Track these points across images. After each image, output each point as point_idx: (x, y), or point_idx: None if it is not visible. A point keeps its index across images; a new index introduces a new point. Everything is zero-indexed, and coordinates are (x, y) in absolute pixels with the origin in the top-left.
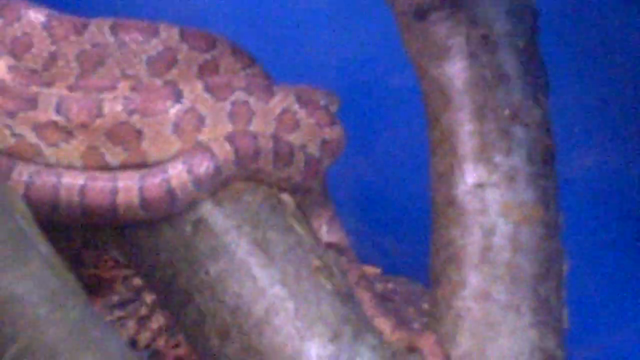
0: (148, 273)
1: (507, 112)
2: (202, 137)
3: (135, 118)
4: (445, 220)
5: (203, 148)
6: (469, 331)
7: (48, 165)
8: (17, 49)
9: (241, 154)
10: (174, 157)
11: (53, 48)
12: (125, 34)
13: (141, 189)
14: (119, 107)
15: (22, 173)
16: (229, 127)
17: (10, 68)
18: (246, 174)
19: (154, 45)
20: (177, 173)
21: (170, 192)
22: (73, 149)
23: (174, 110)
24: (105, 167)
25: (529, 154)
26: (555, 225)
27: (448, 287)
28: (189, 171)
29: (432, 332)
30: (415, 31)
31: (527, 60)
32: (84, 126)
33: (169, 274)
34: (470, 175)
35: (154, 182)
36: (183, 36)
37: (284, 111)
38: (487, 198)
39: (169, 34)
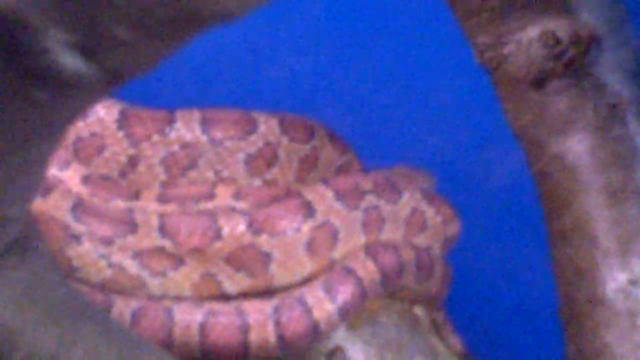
0: None
1: None
2: (336, 254)
3: (262, 239)
4: (593, 324)
5: (343, 269)
6: None
7: (152, 298)
8: (85, 153)
9: (386, 272)
10: (307, 282)
11: (132, 151)
12: (218, 130)
13: (277, 324)
14: (241, 227)
15: (124, 311)
16: (362, 239)
17: (84, 179)
18: (388, 292)
19: (253, 142)
20: (318, 303)
21: (313, 326)
22: (183, 277)
23: (306, 227)
24: (221, 296)
25: None
26: None
27: None
28: (333, 300)
29: None
30: (529, 102)
31: None
32: (197, 251)
33: None
34: (619, 270)
35: (292, 315)
36: (283, 127)
37: (413, 212)
38: None
39: (268, 126)
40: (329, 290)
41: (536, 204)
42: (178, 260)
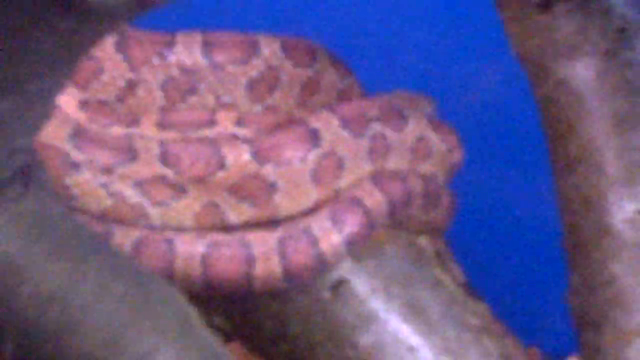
0: (266, 347)
1: None
2: (342, 183)
3: (268, 169)
4: (600, 254)
5: (350, 199)
6: None
7: (152, 228)
8: (81, 77)
9: (394, 201)
10: (313, 212)
11: (131, 75)
12: (220, 54)
13: (283, 256)
14: (245, 156)
15: (124, 241)
16: (368, 167)
17: (82, 104)
18: (395, 223)
19: (255, 65)
20: (325, 234)
21: (320, 258)
22: (185, 207)
23: (312, 155)
24: (224, 227)
25: None
26: None
27: (615, 334)
28: (340, 230)
29: None
30: (536, 25)
31: None
32: (200, 181)
33: (302, 349)
34: (628, 199)
35: (298, 246)
36: (285, 50)
37: (419, 140)
38: None
39: (271, 49)
40: (336, 221)
41: (537, 131)
42: (180, 190)
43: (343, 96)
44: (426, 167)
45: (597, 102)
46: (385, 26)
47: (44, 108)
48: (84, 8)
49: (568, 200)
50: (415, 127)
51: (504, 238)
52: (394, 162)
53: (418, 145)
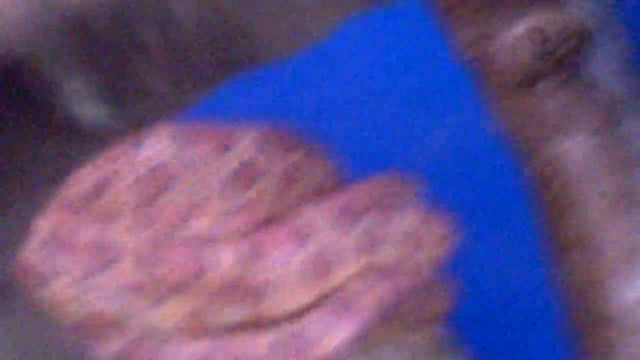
0: None
1: None
2: (333, 281)
3: (253, 272)
4: (601, 345)
5: (340, 302)
6: None
7: (133, 339)
8: None
9: (386, 302)
10: (304, 314)
11: (100, 174)
12: (193, 148)
13: None
14: (229, 260)
15: (104, 354)
16: (359, 263)
17: (51, 207)
18: (388, 320)
19: (230, 160)
20: (318, 338)
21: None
22: (166, 315)
23: (300, 256)
24: (207, 333)
25: None
26: None
27: None
28: (333, 334)
29: None
30: (518, 103)
31: None
32: (181, 287)
33: None
34: (628, 286)
35: (290, 352)
36: (260, 142)
37: (409, 230)
38: None
39: (246, 141)
40: (328, 324)
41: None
42: (160, 297)
43: (324, 186)
44: (417, 257)
45: (590, 182)
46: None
47: (25, 230)
48: (73, 132)
49: (565, 286)
50: (407, 215)
51: (506, 317)
52: (386, 255)
53: (411, 234)
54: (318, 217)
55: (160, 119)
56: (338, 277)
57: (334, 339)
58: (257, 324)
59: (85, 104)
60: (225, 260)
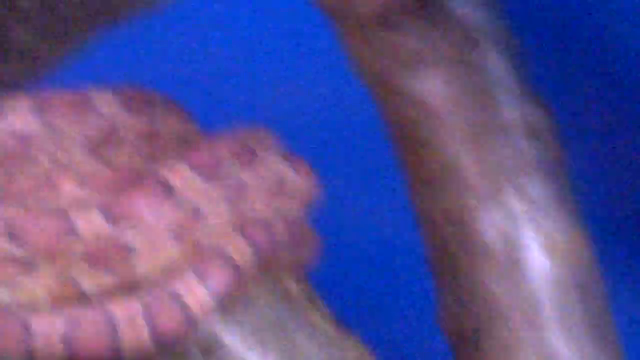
0: None
1: (514, 126)
2: (203, 234)
3: (120, 230)
4: (474, 273)
5: (213, 250)
6: None
7: (4, 310)
8: None
9: (259, 248)
10: (176, 270)
11: None
12: (52, 115)
13: (149, 321)
14: (96, 220)
15: None
16: (227, 214)
17: None
18: (261, 269)
19: (91, 123)
20: (191, 291)
21: (188, 317)
22: (36, 284)
23: (167, 209)
24: (81, 299)
25: (553, 174)
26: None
27: (496, 349)
28: (206, 285)
29: None
30: (377, 41)
31: (518, 62)
32: (50, 253)
33: None
34: (496, 211)
35: (164, 309)
36: (120, 102)
37: (275, 177)
38: (527, 237)
39: (105, 103)
40: (200, 276)
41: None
42: (29, 266)
43: (185, 143)
44: (285, 205)
45: (450, 114)
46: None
47: None
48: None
49: (432, 221)
50: (270, 164)
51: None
52: (253, 204)
53: (275, 183)
54: (183, 170)
55: (31, 78)
56: (209, 227)
57: (205, 291)
58: (131, 286)
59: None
60: (94, 222)
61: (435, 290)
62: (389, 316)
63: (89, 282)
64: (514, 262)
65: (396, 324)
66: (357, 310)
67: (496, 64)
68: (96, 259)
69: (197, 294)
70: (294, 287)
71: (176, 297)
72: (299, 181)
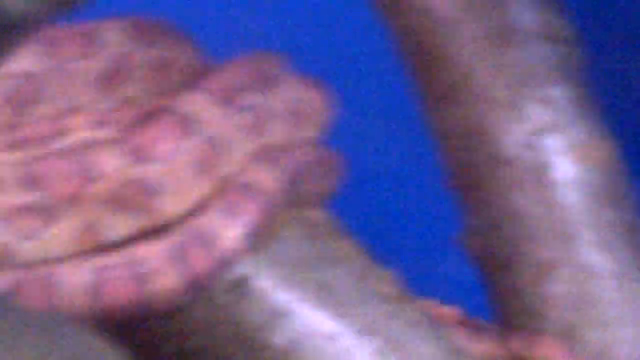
0: None
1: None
2: (229, 167)
3: (142, 169)
4: (498, 187)
5: (240, 184)
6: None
7: (27, 265)
8: None
9: (288, 178)
10: (203, 208)
11: None
12: (59, 52)
13: (181, 265)
14: (115, 160)
15: None
16: (252, 144)
17: None
18: (288, 200)
19: (100, 57)
20: (221, 230)
21: (221, 257)
22: (59, 235)
23: (190, 144)
24: (107, 246)
25: (576, 79)
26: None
27: (529, 270)
28: (237, 222)
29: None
30: None
31: None
32: (71, 200)
33: None
34: (518, 122)
35: (195, 251)
36: (129, 34)
37: (295, 101)
38: (552, 146)
39: (113, 35)
40: (230, 213)
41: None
42: (50, 216)
43: (197, 73)
44: (305, 128)
45: (465, 22)
46: None
47: None
48: None
49: (449, 135)
50: (286, 87)
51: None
52: (276, 132)
53: (296, 107)
54: (198, 102)
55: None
56: (235, 159)
57: (237, 228)
58: (159, 228)
59: None
60: (109, 164)
61: (461, 212)
62: (404, 242)
63: (112, 227)
64: (540, 170)
65: (412, 248)
66: (374, 239)
67: None
68: (120, 201)
69: (230, 230)
70: (320, 220)
71: (208, 236)
72: (317, 102)
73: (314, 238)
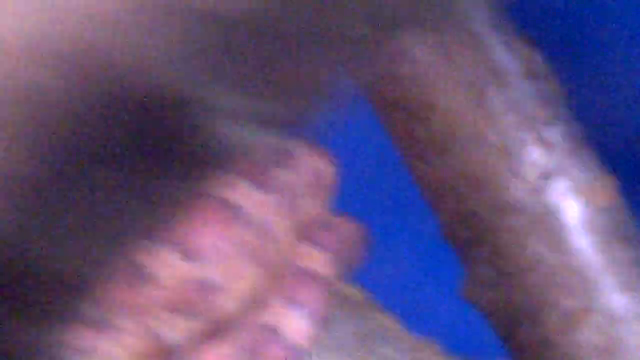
0: None
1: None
2: (275, 250)
3: (197, 264)
4: (510, 235)
5: (297, 273)
6: None
7: None
8: None
9: (333, 254)
10: (262, 298)
11: None
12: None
13: None
14: (170, 259)
15: None
16: (289, 222)
17: None
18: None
19: None
20: (288, 319)
21: (293, 350)
22: (118, 346)
23: (236, 229)
24: (167, 352)
25: (565, 116)
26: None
27: (559, 319)
28: (305, 314)
29: None
30: None
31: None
32: (128, 307)
33: None
34: (524, 165)
35: (265, 349)
36: None
37: (311, 171)
38: (558, 189)
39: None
40: (294, 302)
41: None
42: (106, 326)
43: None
44: (320, 198)
45: (446, 69)
46: None
47: None
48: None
49: (444, 186)
50: (303, 159)
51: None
52: (305, 206)
53: (312, 178)
54: (241, 185)
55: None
56: (279, 243)
57: (304, 318)
58: (221, 328)
59: (237, 126)
60: (167, 263)
61: (466, 266)
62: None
63: (174, 332)
64: (549, 213)
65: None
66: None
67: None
68: (178, 304)
69: (295, 322)
70: (354, 291)
71: (275, 331)
72: (327, 171)
73: (355, 312)
